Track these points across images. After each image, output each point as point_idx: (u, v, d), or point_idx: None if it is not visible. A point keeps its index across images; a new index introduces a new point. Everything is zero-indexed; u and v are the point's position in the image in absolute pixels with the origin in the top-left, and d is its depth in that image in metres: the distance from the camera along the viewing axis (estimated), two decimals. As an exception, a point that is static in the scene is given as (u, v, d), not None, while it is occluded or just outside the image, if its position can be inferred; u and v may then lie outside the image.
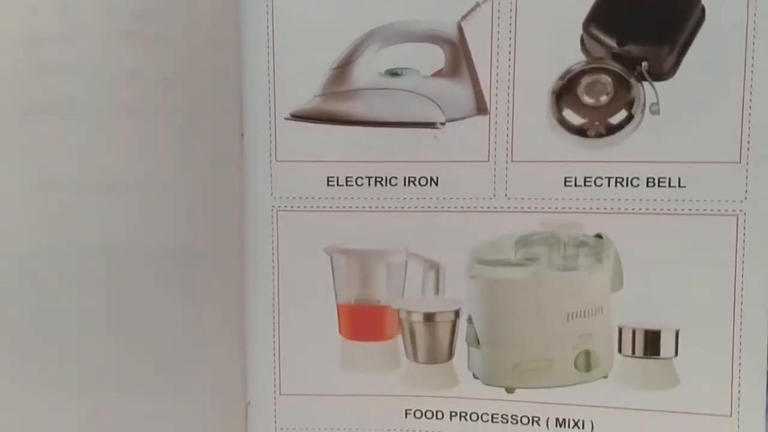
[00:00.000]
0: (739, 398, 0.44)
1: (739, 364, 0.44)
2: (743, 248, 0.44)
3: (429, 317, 0.47)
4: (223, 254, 0.47)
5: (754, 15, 0.42)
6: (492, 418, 0.47)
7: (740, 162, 0.43)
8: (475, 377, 0.47)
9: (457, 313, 0.47)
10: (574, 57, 0.44)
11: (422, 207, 0.46)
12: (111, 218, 0.46)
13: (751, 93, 0.43)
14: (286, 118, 0.46)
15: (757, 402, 0.44)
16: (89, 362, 0.47)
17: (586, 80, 0.44)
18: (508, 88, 0.45)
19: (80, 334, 0.47)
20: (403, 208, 0.46)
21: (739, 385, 0.44)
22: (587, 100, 0.45)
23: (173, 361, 0.47)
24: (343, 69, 0.46)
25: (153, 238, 0.46)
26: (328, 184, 0.47)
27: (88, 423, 0.48)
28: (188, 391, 0.47)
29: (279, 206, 0.47)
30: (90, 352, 0.47)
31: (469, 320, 0.47)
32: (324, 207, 0.47)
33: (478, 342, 0.47)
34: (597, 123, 0.45)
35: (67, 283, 0.47)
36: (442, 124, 0.46)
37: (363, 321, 0.48)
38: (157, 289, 0.47)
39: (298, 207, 0.47)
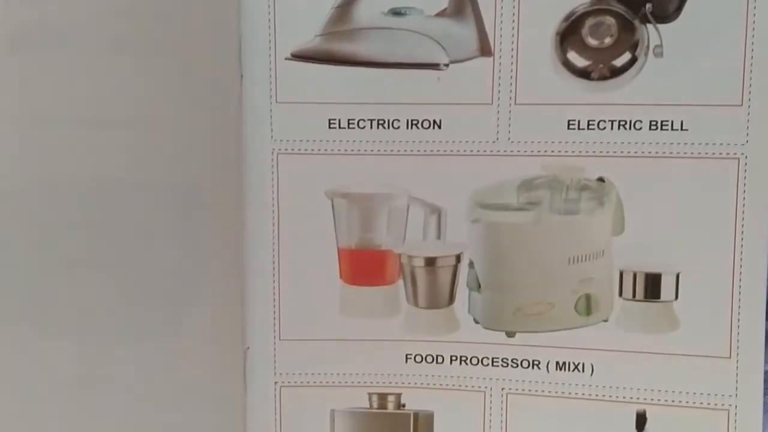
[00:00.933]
0: (738, 340, 0.45)
1: (739, 306, 0.44)
2: (744, 191, 0.44)
3: (430, 262, 0.47)
4: (223, 197, 0.46)
5: (758, -43, 0.42)
6: (492, 362, 0.47)
7: (742, 105, 0.43)
8: (476, 321, 0.47)
9: (458, 258, 0.47)
10: (578, -2, 0.44)
11: (425, 150, 0.46)
12: (107, 155, 0.45)
13: (753, 36, 0.43)
14: (286, 59, 0.45)
15: (756, 344, 0.44)
16: (85, 304, 0.46)
17: (590, 22, 0.44)
18: (513, 29, 0.45)
19: (75, 275, 0.46)
20: (405, 151, 0.46)
21: (739, 327, 0.44)
22: (591, 42, 0.44)
23: (171, 306, 0.47)
24: (345, 8, 0.45)
25: (151, 177, 0.46)
26: (329, 127, 0.46)
27: (83, 365, 0.47)
28: (186, 336, 0.47)
29: (279, 149, 0.46)
30: (86, 294, 0.46)
31: (471, 264, 0.47)
32: (325, 150, 0.46)
33: (479, 286, 0.47)
34: (601, 65, 0.45)
35: (62, 222, 0.46)
36: (446, 65, 0.45)
37: (364, 266, 0.48)
38: (155, 232, 0.46)
39: (299, 150, 0.46)
